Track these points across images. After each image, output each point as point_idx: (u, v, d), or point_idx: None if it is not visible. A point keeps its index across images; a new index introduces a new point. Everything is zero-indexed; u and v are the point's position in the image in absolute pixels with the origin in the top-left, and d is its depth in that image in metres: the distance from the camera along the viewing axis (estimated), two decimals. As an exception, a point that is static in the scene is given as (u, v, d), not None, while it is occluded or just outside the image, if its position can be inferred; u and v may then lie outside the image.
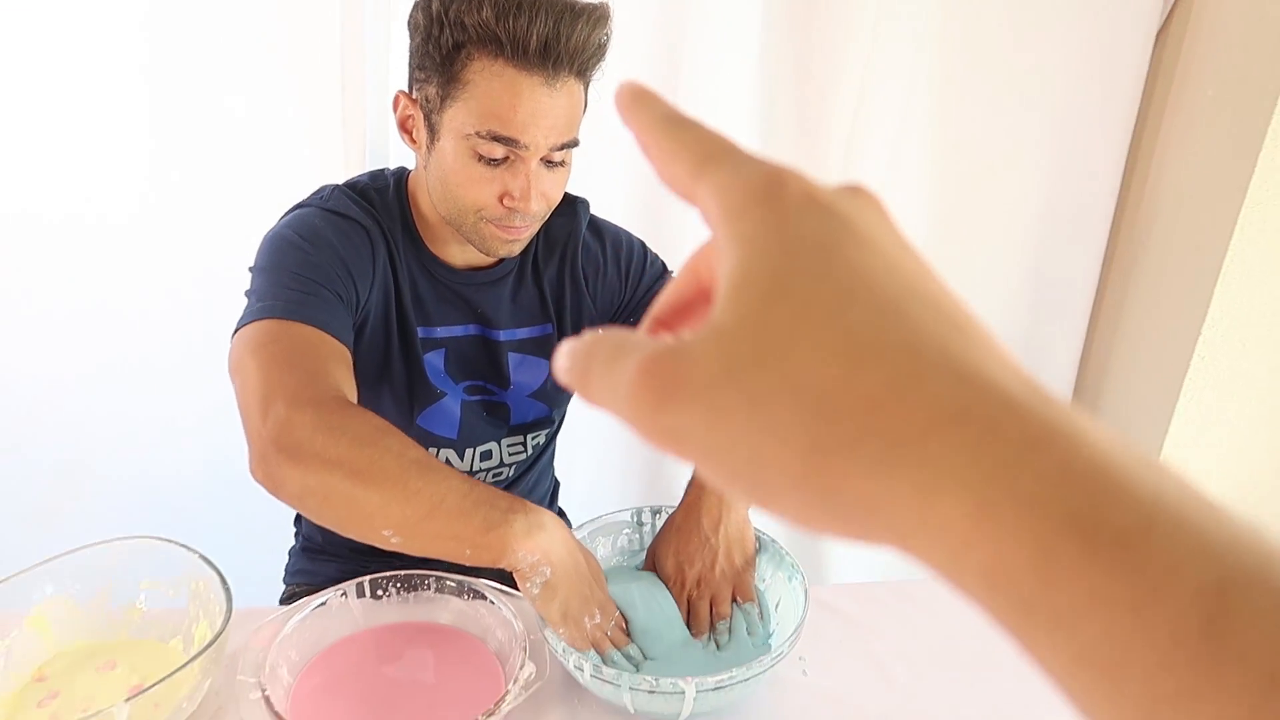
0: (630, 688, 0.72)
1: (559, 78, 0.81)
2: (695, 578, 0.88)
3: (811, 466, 0.19)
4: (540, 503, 1.19)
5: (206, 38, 1.30)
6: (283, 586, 1.17)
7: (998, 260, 1.68)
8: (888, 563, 1.72)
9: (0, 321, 1.44)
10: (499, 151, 0.83)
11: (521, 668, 0.75)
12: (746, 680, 0.72)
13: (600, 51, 0.85)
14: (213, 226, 1.41)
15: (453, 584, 0.86)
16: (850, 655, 0.87)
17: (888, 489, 0.18)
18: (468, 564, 0.74)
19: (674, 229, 1.47)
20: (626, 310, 1.08)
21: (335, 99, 1.33)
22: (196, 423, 1.53)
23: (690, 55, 1.42)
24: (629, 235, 1.10)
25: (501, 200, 0.86)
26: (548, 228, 1.02)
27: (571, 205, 1.04)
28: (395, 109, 0.91)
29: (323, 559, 1.14)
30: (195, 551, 0.81)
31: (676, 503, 0.93)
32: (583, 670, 0.74)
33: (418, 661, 0.83)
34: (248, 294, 0.86)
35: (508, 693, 0.73)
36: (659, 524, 0.95)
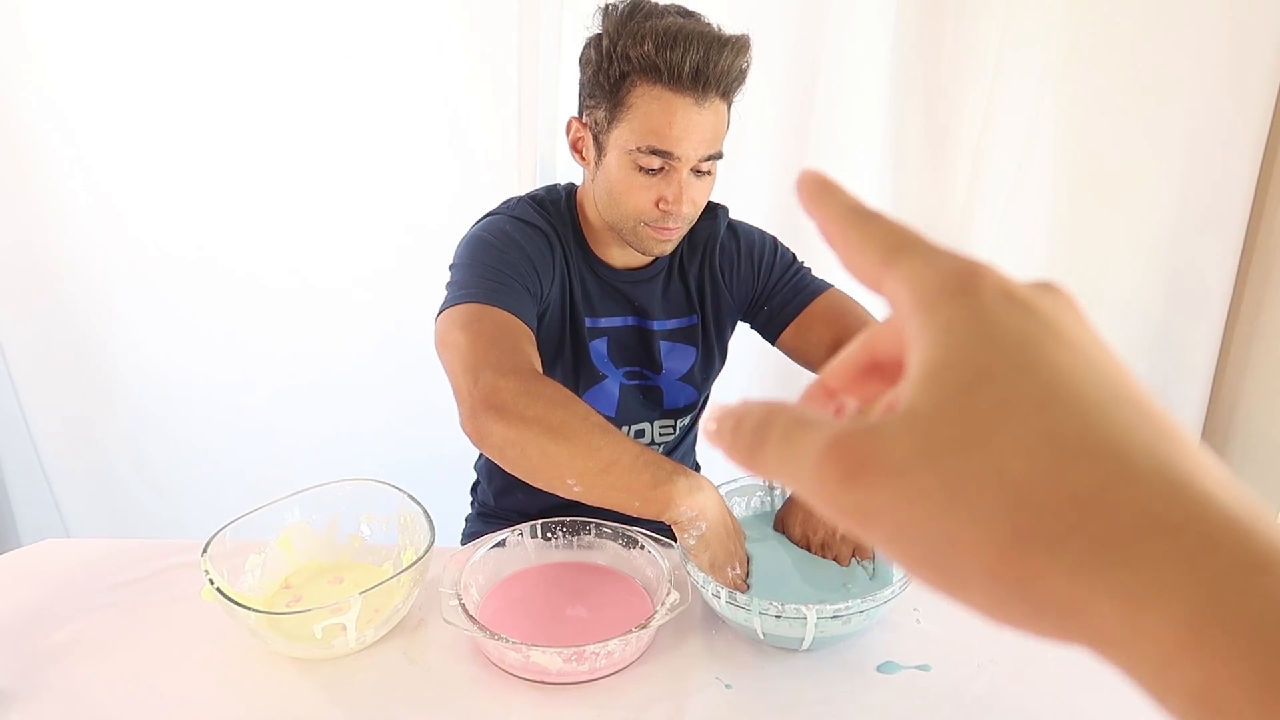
0: (760, 613, 0.84)
1: (707, 99, 0.96)
2: (819, 543, 1.00)
3: (1009, 558, 0.19)
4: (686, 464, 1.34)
5: (402, 75, 1.56)
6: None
7: (1127, 272, 1.72)
8: None
9: (197, 341, 1.74)
10: (656, 163, 0.99)
11: (668, 594, 0.89)
12: (863, 612, 0.83)
13: (742, 76, 0.99)
14: (401, 241, 1.66)
15: (609, 530, 1.01)
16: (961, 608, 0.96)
17: (1091, 591, 0.18)
18: (635, 515, 0.88)
19: (809, 232, 1.60)
20: (760, 299, 1.21)
21: (513, 130, 1.56)
22: (377, 431, 1.79)
23: (826, 75, 1.57)
24: (761, 233, 1.24)
25: (657, 204, 1.01)
26: (692, 231, 1.17)
27: (712, 211, 1.19)
28: (568, 132, 1.09)
29: (495, 522, 1.31)
30: (404, 492, 0.99)
31: None
32: (719, 598, 0.87)
33: (580, 591, 0.98)
34: (449, 286, 1.04)
35: (656, 612, 0.87)
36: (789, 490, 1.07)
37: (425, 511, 0.96)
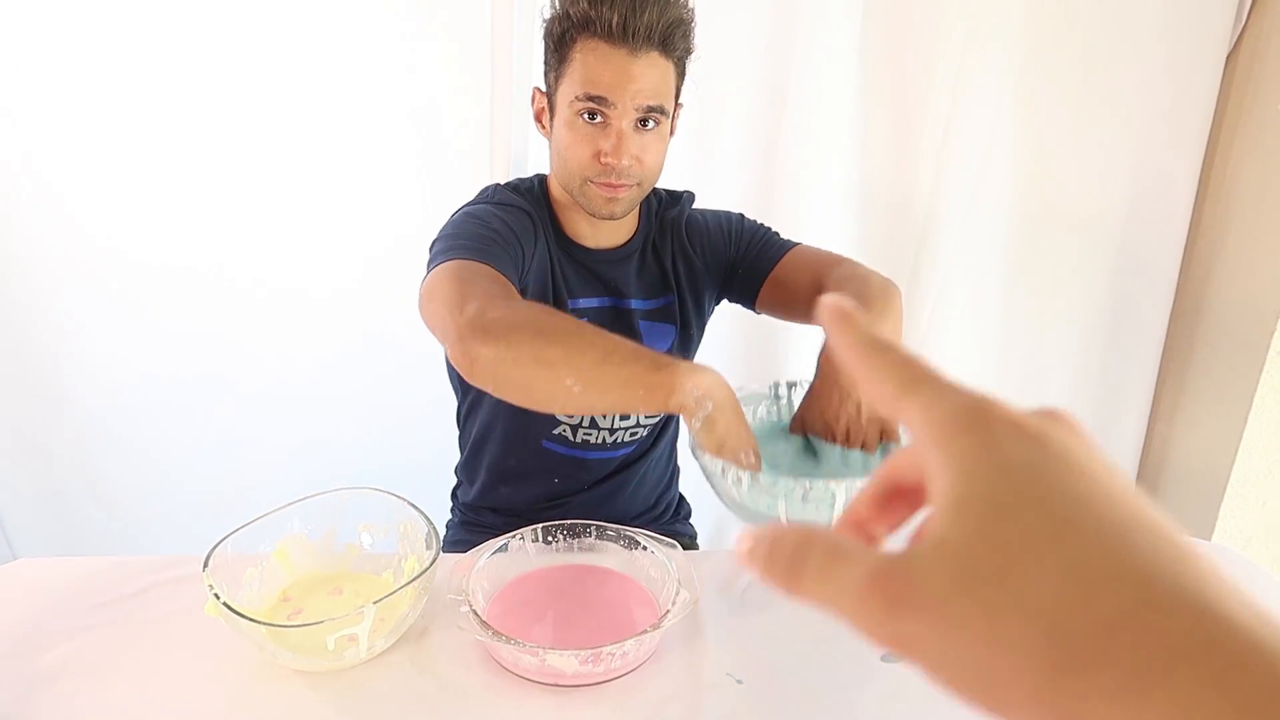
0: (785, 495, 0.80)
1: (641, 50, 1.00)
2: (844, 429, 0.96)
3: (1050, 685, 0.20)
4: (663, 462, 1.35)
5: (373, 80, 1.54)
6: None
7: (1082, 261, 1.80)
8: None
9: (164, 345, 1.67)
10: (594, 110, 1.02)
11: (678, 594, 0.90)
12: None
13: (680, 29, 1.02)
14: (373, 243, 1.63)
15: (611, 532, 1.02)
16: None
17: (1137, 715, 0.19)
18: (641, 409, 0.84)
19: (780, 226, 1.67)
20: (735, 264, 1.23)
21: (485, 134, 1.55)
22: (352, 439, 1.75)
23: (796, 74, 1.61)
24: (729, 212, 1.28)
25: (598, 158, 1.04)
26: (661, 217, 1.21)
27: (678, 197, 1.24)
28: (533, 104, 1.13)
29: (478, 529, 1.31)
30: (404, 499, 0.98)
31: (809, 378, 1.03)
32: (741, 483, 0.82)
33: (584, 594, 0.98)
34: (431, 258, 1.01)
35: (669, 611, 0.87)
36: (795, 397, 1.05)
37: (427, 518, 0.95)
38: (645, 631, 0.84)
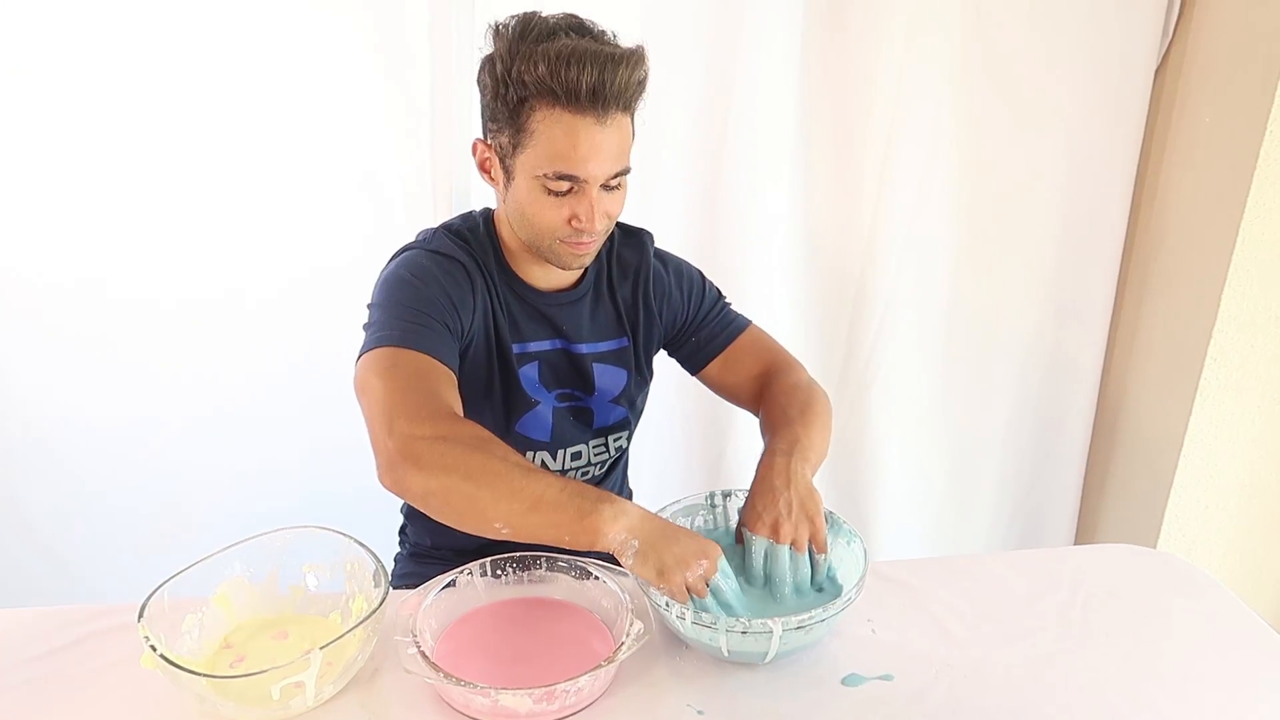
0: (726, 630, 0.85)
1: (608, 115, 0.96)
2: (771, 522, 0.98)
3: None
4: (615, 492, 1.34)
5: (313, 103, 1.51)
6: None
7: (1022, 272, 1.84)
8: (924, 543, 1.96)
9: (97, 372, 1.61)
10: (565, 186, 0.98)
11: (631, 625, 0.88)
12: (825, 620, 0.85)
13: (640, 87, 0.99)
14: (311, 265, 1.60)
15: (563, 563, 1.00)
16: (911, 614, 1.00)
17: None
18: (568, 548, 0.88)
19: (725, 252, 1.67)
20: (688, 330, 1.24)
21: (426, 156, 1.53)
22: (295, 464, 1.71)
23: (738, 98, 1.62)
24: (689, 266, 1.26)
25: (570, 222, 1.01)
26: (619, 255, 1.18)
27: (638, 236, 1.21)
28: (474, 154, 1.07)
29: (428, 562, 1.28)
30: (350, 537, 0.95)
31: (745, 486, 1.06)
32: (684, 619, 0.87)
33: (536, 628, 0.97)
34: (366, 327, 1.01)
35: (622, 644, 0.86)
36: (730, 506, 1.10)
37: (374, 555, 0.93)
38: (600, 666, 0.83)
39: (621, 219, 1.18)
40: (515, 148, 0.99)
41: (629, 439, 1.30)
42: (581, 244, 1.04)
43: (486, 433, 0.90)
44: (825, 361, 1.86)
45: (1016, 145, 1.73)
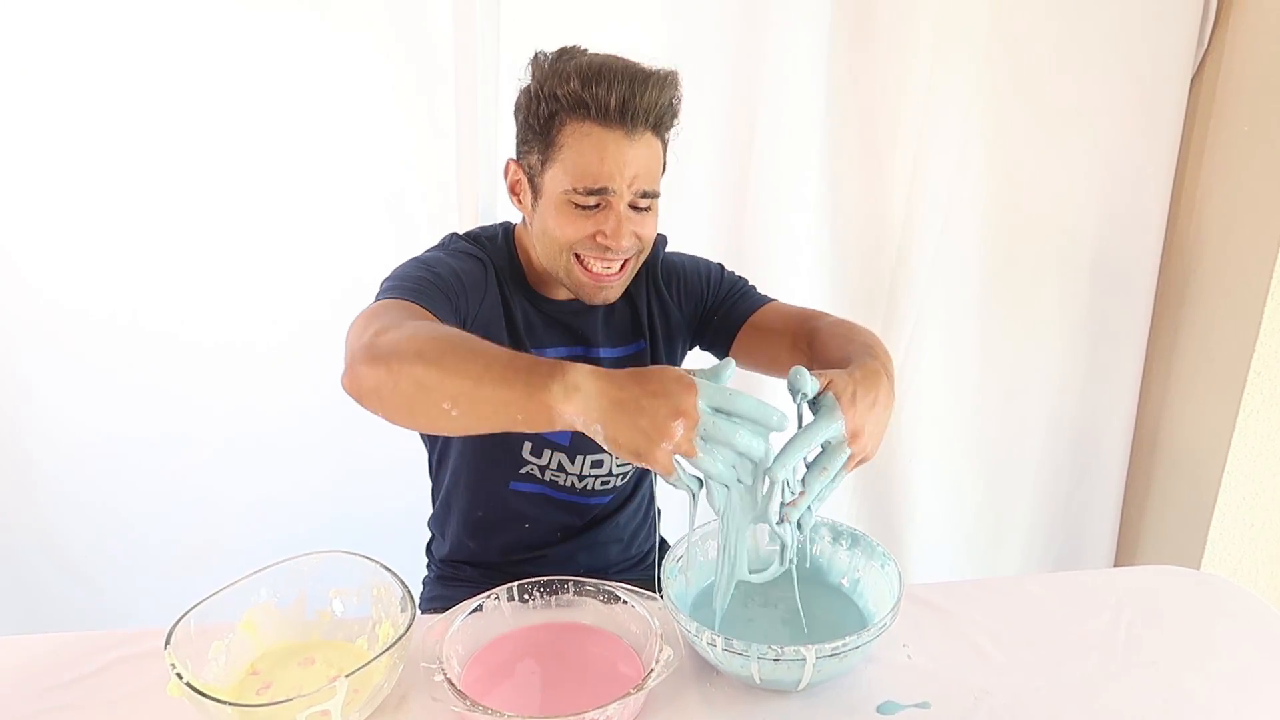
0: (758, 657, 0.83)
1: (637, 132, 0.96)
2: (851, 394, 0.84)
3: None
4: (646, 526, 1.31)
5: (339, 124, 1.53)
6: (420, 614, 1.30)
7: (1056, 286, 1.81)
8: (957, 565, 1.91)
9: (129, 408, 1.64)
10: (593, 201, 0.98)
11: (660, 651, 0.86)
12: (860, 647, 0.83)
13: (671, 111, 1.00)
14: (337, 292, 1.60)
15: (590, 588, 0.99)
16: (948, 639, 0.97)
17: None
18: (525, 430, 0.77)
19: (752, 268, 1.66)
20: (711, 310, 1.20)
21: (451, 180, 1.54)
22: (328, 486, 1.71)
23: (765, 108, 1.62)
24: (707, 260, 1.25)
25: (595, 237, 1.00)
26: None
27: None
28: (506, 175, 1.08)
29: (456, 584, 1.27)
30: (377, 562, 0.95)
31: None
32: (714, 646, 0.85)
33: (564, 653, 0.95)
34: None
35: (651, 671, 0.84)
36: (758, 528, 0.98)
37: (401, 580, 0.92)
38: (628, 694, 0.81)
39: None
40: (544, 164, 1.00)
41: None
42: (602, 272, 1.03)
43: (457, 329, 0.84)
44: (856, 378, 1.84)
45: (1048, 157, 1.71)
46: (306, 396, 1.67)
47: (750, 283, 1.24)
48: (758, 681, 0.87)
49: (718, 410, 0.72)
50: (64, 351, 1.60)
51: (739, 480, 0.79)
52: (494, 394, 0.75)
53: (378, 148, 1.54)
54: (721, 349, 1.21)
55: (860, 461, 0.85)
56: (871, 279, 1.77)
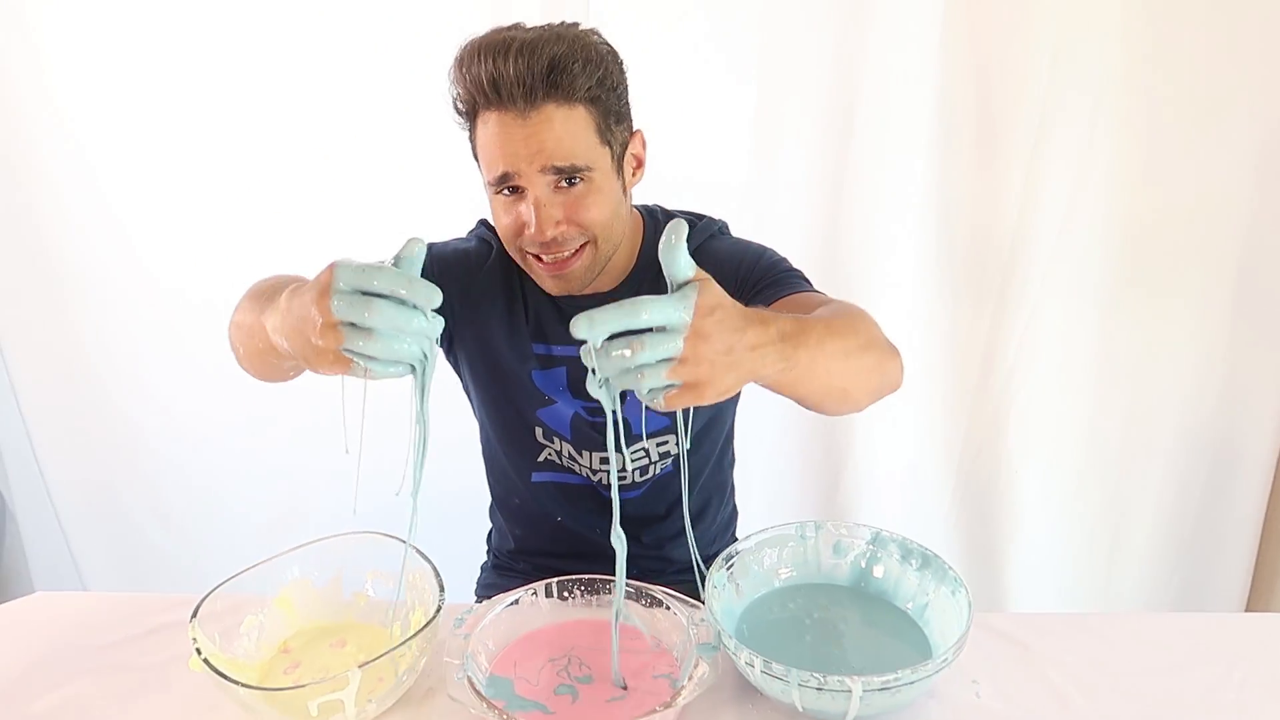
0: (799, 684, 0.75)
1: (533, 107, 0.87)
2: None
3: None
4: (714, 523, 1.23)
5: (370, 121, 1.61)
6: (475, 600, 1.28)
7: (1195, 290, 1.63)
8: (1063, 593, 1.73)
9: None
10: (507, 191, 0.93)
11: (696, 666, 0.80)
12: (912, 683, 0.74)
13: (562, 69, 0.87)
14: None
15: (631, 589, 0.93)
16: (1026, 681, 0.87)
17: None
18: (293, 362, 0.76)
19: (849, 248, 1.59)
20: (744, 290, 1.02)
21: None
22: (395, 466, 1.75)
23: (869, 83, 1.53)
24: (758, 245, 1.10)
25: (522, 231, 0.94)
26: (645, 248, 1.07)
27: (689, 225, 1.10)
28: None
29: (510, 575, 1.24)
30: (414, 546, 0.92)
31: (847, 519, 0.95)
32: (753, 667, 0.79)
33: (598, 654, 0.90)
34: None
35: (683, 688, 0.78)
36: (821, 538, 0.99)
37: (435, 569, 0.89)
38: (654, 711, 0.75)
39: (693, 209, 1.10)
40: (478, 163, 0.96)
41: (684, 444, 1.19)
42: (551, 256, 0.95)
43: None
44: (959, 375, 1.70)
45: (1193, 149, 1.53)
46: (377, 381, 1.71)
47: (799, 273, 1.07)
48: (800, 710, 0.79)
49: (361, 292, 0.64)
50: (171, 335, 1.76)
51: (425, 356, 0.70)
52: (288, 307, 0.70)
53: (409, 148, 1.59)
54: None
55: (688, 397, 0.66)
56: (980, 272, 1.63)
